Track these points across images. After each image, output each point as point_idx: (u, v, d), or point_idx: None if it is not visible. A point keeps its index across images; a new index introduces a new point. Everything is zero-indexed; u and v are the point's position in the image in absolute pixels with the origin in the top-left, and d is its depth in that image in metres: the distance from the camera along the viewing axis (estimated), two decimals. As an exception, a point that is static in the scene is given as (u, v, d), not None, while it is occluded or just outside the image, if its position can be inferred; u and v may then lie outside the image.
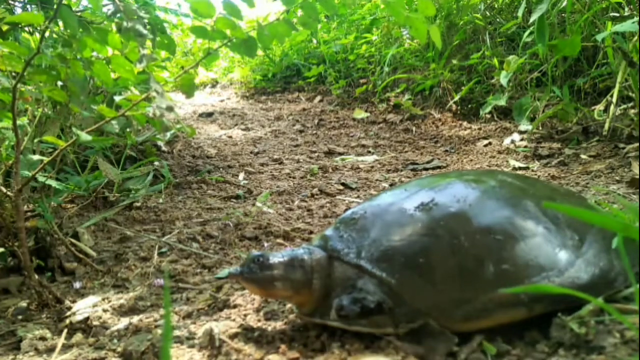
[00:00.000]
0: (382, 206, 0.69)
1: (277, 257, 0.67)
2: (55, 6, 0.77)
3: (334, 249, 0.66)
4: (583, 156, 1.72)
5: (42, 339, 0.78)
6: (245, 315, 0.77)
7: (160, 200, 1.53)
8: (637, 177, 1.35)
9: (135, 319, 0.81)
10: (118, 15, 0.78)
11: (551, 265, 0.60)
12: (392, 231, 0.64)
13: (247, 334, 0.69)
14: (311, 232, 1.24)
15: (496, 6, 2.61)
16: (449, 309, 0.58)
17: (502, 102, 2.32)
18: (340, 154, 2.35)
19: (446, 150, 2.23)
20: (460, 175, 0.74)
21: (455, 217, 0.63)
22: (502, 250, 0.60)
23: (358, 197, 1.58)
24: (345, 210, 1.42)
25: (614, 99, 1.79)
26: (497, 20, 2.60)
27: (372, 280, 0.62)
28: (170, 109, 0.76)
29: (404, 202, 0.68)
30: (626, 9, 1.81)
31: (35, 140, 0.99)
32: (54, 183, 1.09)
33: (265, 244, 1.18)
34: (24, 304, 0.89)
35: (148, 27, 0.79)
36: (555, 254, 0.61)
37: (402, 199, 0.69)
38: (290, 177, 1.92)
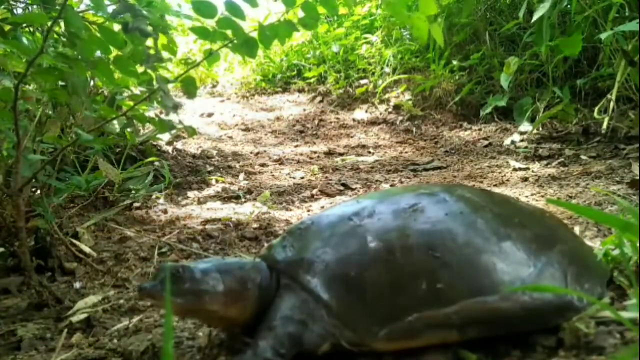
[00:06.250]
0: (328, 217, 0.67)
1: (200, 268, 0.61)
2: (57, 6, 0.77)
3: (275, 260, 0.65)
4: (583, 157, 1.73)
5: (42, 339, 0.78)
6: (246, 316, 0.77)
7: (160, 200, 1.53)
8: (637, 178, 1.35)
9: (135, 319, 0.81)
10: (121, 15, 0.78)
11: (492, 287, 0.56)
12: (329, 244, 0.62)
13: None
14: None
15: (497, 7, 2.61)
16: (374, 326, 0.56)
17: (502, 102, 2.32)
18: (340, 154, 2.35)
19: (446, 151, 2.23)
20: (417, 188, 0.71)
21: (395, 231, 0.61)
22: (438, 268, 0.57)
23: (358, 197, 1.58)
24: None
25: (613, 96, 1.79)
26: (498, 20, 2.60)
27: (303, 293, 0.60)
28: (176, 107, 0.76)
29: (349, 215, 0.65)
30: (627, 9, 1.81)
31: (37, 140, 1.00)
32: (54, 183, 1.09)
33: (265, 245, 1.18)
34: (24, 304, 0.89)
35: (150, 27, 0.79)
36: (500, 276, 0.57)
37: (348, 211, 0.66)
38: (290, 177, 1.92)
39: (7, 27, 0.87)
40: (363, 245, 0.61)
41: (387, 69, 3.11)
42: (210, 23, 0.86)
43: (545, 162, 1.77)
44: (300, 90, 3.76)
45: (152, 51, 0.79)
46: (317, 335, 0.58)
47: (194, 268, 0.60)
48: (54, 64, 0.82)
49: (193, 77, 0.86)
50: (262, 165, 2.15)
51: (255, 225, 1.28)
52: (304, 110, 3.37)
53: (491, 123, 2.43)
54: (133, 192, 1.52)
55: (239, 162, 2.17)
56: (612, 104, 1.82)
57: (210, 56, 0.88)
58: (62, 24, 0.83)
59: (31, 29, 1.17)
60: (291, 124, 3.10)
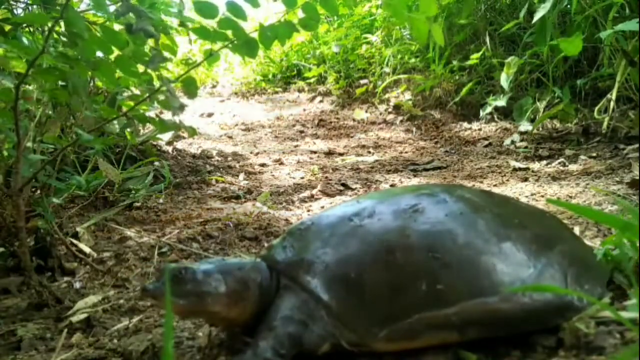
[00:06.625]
0: (328, 218, 0.67)
1: (202, 269, 0.61)
2: (57, 6, 0.77)
3: (275, 260, 0.65)
4: (583, 157, 1.73)
5: (42, 339, 0.78)
6: (246, 316, 0.77)
7: (160, 200, 1.53)
8: (637, 178, 1.35)
9: (135, 319, 0.81)
10: (124, 15, 0.78)
11: (493, 288, 0.56)
12: (329, 244, 0.62)
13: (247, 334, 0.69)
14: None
15: (497, 7, 2.61)
16: (374, 327, 0.56)
17: (502, 102, 2.32)
18: (340, 154, 2.35)
19: (446, 151, 2.23)
20: (417, 189, 0.71)
21: (395, 231, 0.61)
22: (438, 268, 0.57)
23: (358, 197, 1.58)
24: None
25: (613, 96, 1.79)
26: (498, 20, 2.60)
27: (303, 294, 0.60)
28: (182, 107, 0.76)
29: (349, 215, 0.65)
30: (627, 9, 1.82)
31: (37, 140, 1.00)
32: (54, 183, 1.10)
33: (265, 245, 1.18)
34: (24, 304, 0.89)
35: (152, 28, 0.79)
36: (500, 277, 0.57)
37: (349, 211, 0.66)
38: (290, 177, 1.92)
39: (7, 27, 0.87)
40: (363, 245, 0.61)
41: (387, 69, 3.11)
42: (210, 23, 0.86)
43: (545, 162, 1.77)
44: (300, 90, 3.77)
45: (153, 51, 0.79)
46: (317, 336, 0.58)
47: (196, 269, 0.60)
48: (54, 64, 0.82)
49: (193, 77, 0.86)
50: (262, 165, 2.15)
51: (255, 225, 1.28)
52: (304, 110, 3.37)
53: (491, 123, 2.43)
54: (133, 192, 1.52)
55: (239, 162, 2.17)
56: (612, 104, 1.82)
57: (211, 56, 0.88)
58: (62, 24, 0.83)
59: (31, 29, 1.17)
60: (291, 124, 3.10)
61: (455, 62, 2.67)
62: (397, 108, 2.96)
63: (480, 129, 2.42)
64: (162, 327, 0.76)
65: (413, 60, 3.01)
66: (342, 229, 0.64)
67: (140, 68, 0.86)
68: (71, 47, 0.81)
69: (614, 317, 0.52)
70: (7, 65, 0.89)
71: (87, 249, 1.12)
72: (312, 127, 2.99)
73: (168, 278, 0.58)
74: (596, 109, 1.91)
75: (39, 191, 1.07)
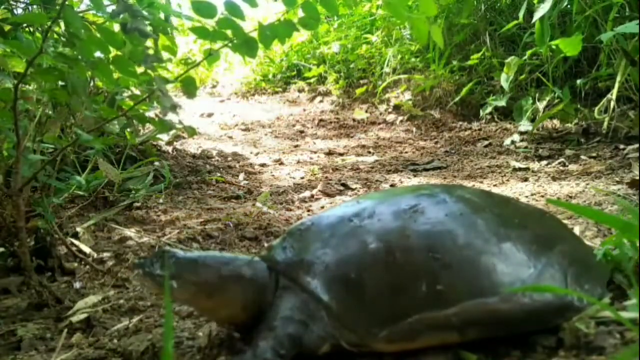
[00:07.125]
0: (328, 218, 0.67)
1: (182, 256, 0.62)
2: (57, 6, 0.77)
3: (275, 261, 0.64)
4: (583, 157, 1.73)
5: (42, 339, 0.78)
6: (246, 316, 0.77)
7: (160, 200, 1.53)
8: (637, 178, 1.35)
9: (135, 319, 0.81)
10: (120, 15, 0.78)
11: (493, 289, 0.56)
12: (329, 245, 0.62)
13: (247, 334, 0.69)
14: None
15: (497, 7, 2.61)
16: (374, 328, 0.56)
17: (502, 102, 2.32)
18: (340, 154, 2.35)
19: (446, 151, 2.23)
20: (417, 189, 0.71)
21: (395, 232, 0.61)
22: (438, 269, 0.57)
23: (358, 197, 1.58)
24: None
25: (613, 96, 1.79)
26: (498, 20, 2.60)
27: (303, 294, 0.60)
28: (174, 108, 0.76)
29: (349, 216, 0.65)
30: (627, 9, 1.82)
31: (37, 140, 1.00)
32: (54, 183, 1.10)
33: (265, 245, 1.18)
34: (24, 304, 0.89)
35: (150, 28, 0.79)
36: (500, 277, 0.57)
37: (349, 212, 0.66)
38: (290, 177, 1.92)
39: (7, 27, 0.87)
40: (363, 246, 0.61)
41: (387, 69, 3.11)
42: (210, 23, 0.86)
43: (545, 162, 1.77)
44: (300, 90, 3.77)
45: (151, 51, 0.79)
46: (317, 336, 0.58)
47: (178, 255, 0.61)
48: (53, 64, 0.82)
49: (193, 77, 0.86)
50: (262, 165, 2.15)
51: (255, 225, 1.28)
52: (304, 110, 3.37)
53: (491, 123, 2.43)
54: (133, 192, 1.52)
55: (239, 162, 2.17)
56: (612, 104, 1.82)
57: (210, 56, 0.88)
58: (62, 23, 0.83)
59: (31, 29, 1.17)
60: (291, 124, 3.10)
61: (455, 62, 2.68)
62: (397, 108, 2.96)
63: (480, 129, 2.42)
64: (162, 327, 0.76)
65: (413, 60, 3.01)
66: (342, 230, 0.64)
67: (140, 68, 0.86)
68: (70, 47, 0.81)
69: (614, 317, 0.52)
70: (6, 65, 0.89)
71: (87, 249, 1.12)
72: (312, 127, 2.99)
73: (167, 267, 0.59)
74: (596, 109, 1.91)
75: (39, 191, 1.07)
